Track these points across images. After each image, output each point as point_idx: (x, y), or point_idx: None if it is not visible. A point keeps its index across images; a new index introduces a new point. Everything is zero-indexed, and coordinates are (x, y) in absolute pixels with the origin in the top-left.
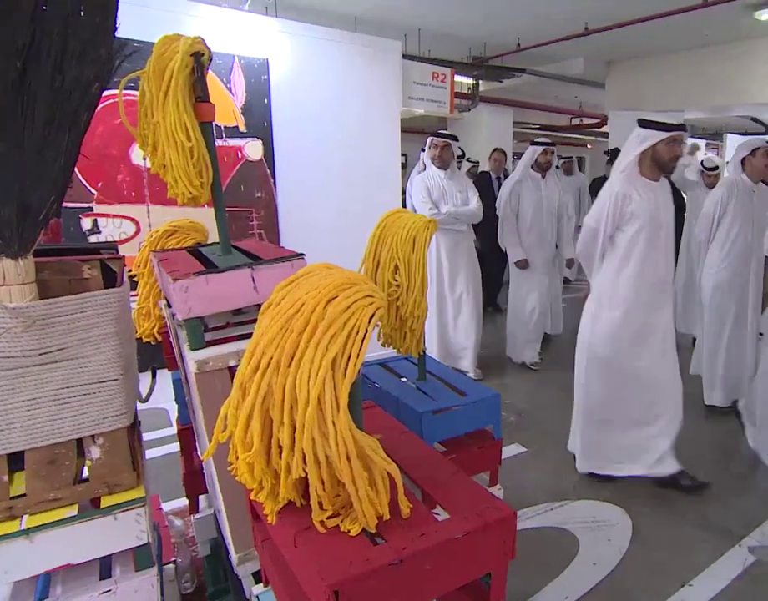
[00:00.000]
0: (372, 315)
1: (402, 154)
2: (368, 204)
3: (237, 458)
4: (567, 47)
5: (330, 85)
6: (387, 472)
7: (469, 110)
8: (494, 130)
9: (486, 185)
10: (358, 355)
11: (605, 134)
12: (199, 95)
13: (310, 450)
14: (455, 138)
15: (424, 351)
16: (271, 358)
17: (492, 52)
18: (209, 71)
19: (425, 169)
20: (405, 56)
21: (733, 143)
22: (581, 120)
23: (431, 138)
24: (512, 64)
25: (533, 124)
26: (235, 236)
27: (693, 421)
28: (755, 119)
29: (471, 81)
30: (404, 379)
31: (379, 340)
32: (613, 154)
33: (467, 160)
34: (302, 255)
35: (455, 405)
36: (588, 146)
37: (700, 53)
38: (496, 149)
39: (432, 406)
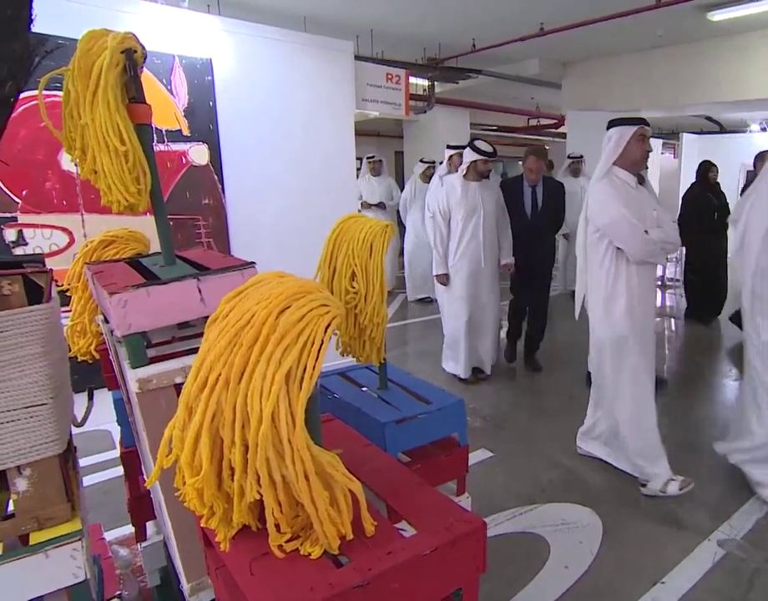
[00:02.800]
0: (328, 325)
1: (358, 158)
2: (323, 209)
3: (184, 483)
4: (522, 48)
5: (280, 87)
6: (349, 489)
7: (425, 112)
8: (451, 132)
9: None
10: (314, 367)
11: (563, 135)
12: (134, 95)
13: (264, 470)
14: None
15: (385, 360)
16: (220, 374)
17: (447, 53)
18: (147, 71)
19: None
20: (357, 57)
21: (689, 143)
22: (538, 121)
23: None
24: (468, 65)
25: (491, 126)
26: (181, 246)
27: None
28: (709, 118)
29: (426, 82)
30: (365, 388)
31: (337, 350)
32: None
33: (421, 161)
34: (252, 263)
35: (419, 413)
36: (547, 147)
37: (655, 53)
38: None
39: (395, 415)
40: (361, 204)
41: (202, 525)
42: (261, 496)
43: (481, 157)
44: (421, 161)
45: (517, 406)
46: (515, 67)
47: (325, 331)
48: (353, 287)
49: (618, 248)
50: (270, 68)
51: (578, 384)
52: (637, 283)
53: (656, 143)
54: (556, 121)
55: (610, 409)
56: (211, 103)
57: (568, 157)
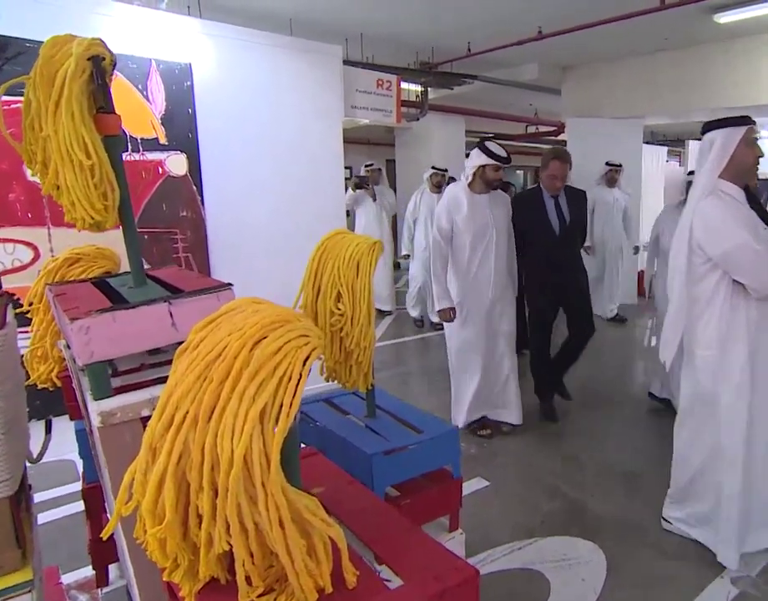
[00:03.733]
0: (307, 358)
1: (347, 167)
2: (310, 223)
3: (146, 532)
4: (520, 52)
5: (264, 93)
6: (329, 537)
7: (418, 119)
8: (445, 140)
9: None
10: (291, 404)
11: (563, 143)
12: (102, 105)
13: (235, 517)
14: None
15: (373, 385)
16: (187, 412)
17: (440, 57)
18: (121, 76)
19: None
20: (346, 62)
21: (695, 150)
22: (537, 128)
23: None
24: (463, 70)
25: (487, 133)
26: (157, 261)
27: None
28: None
29: (419, 88)
30: (351, 416)
31: (322, 375)
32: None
33: (433, 169)
34: (229, 285)
35: (409, 444)
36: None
37: (660, 57)
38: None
39: (383, 446)
40: (354, 180)
41: (165, 578)
42: (231, 546)
43: (492, 162)
44: (434, 168)
45: (514, 430)
46: (512, 71)
47: (304, 364)
48: (339, 309)
49: (736, 281)
50: (253, 73)
51: (577, 406)
52: (759, 323)
53: (661, 151)
54: (555, 128)
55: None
56: (190, 111)
57: (606, 164)
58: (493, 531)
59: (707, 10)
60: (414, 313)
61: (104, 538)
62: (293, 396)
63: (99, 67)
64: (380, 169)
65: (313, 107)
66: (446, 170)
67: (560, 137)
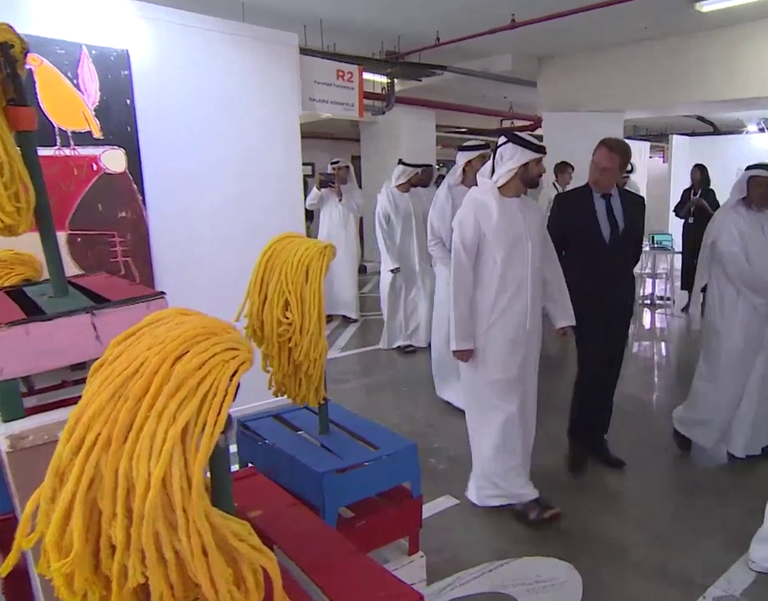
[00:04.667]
0: (235, 373)
1: (308, 163)
2: (265, 223)
3: (50, 567)
4: (492, 41)
5: (212, 84)
6: (261, 565)
7: (384, 113)
8: (415, 135)
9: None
10: (216, 423)
11: (539, 138)
12: (12, 97)
13: (152, 546)
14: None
15: (326, 399)
16: (99, 433)
17: (407, 47)
18: (47, 62)
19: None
20: (305, 51)
21: (679, 145)
22: (512, 123)
23: None
24: (432, 61)
25: (459, 128)
26: (93, 266)
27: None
28: (701, 119)
29: (385, 80)
30: (302, 433)
31: (270, 389)
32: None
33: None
34: (161, 294)
35: (364, 461)
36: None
37: (639, 47)
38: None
39: (336, 464)
40: (319, 177)
41: None
42: (148, 578)
43: (537, 155)
44: (403, 163)
45: None
46: (485, 62)
47: (231, 380)
48: (287, 318)
49: None
50: (200, 62)
51: (554, 418)
52: None
53: (644, 146)
54: (532, 122)
55: None
56: (129, 102)
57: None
58: (462, 552)
59: None
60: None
61: (2, 574)
62: (218, 414)
63: (8, 55)
64: (347, 167)
65: (267, 99)
66: (424, 166)
67: (537, 131)
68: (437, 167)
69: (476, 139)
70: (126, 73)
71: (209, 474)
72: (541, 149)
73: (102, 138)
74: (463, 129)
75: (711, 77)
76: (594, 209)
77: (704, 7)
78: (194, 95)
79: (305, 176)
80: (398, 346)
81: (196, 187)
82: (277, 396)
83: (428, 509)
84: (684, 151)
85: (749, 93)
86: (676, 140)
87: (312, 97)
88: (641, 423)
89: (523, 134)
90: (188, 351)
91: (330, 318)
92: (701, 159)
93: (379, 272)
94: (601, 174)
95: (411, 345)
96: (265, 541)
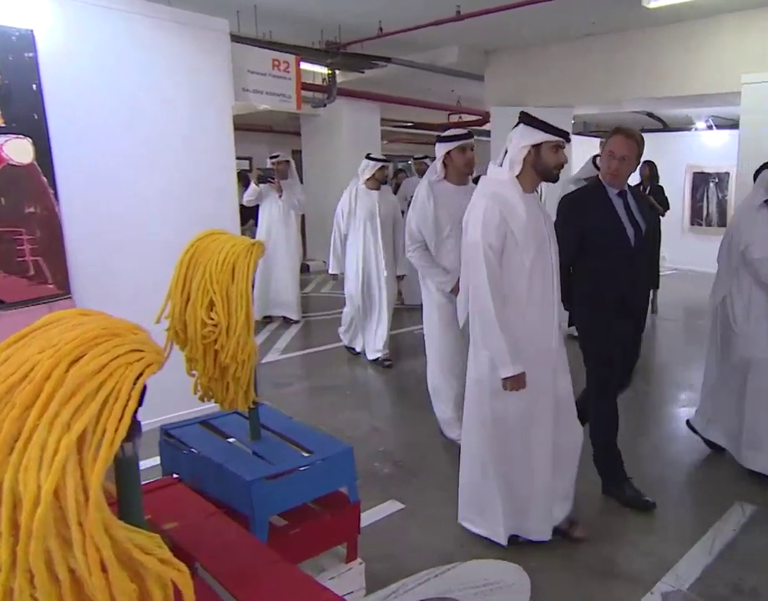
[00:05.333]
0: (140, 376)
1: (245, 158)
2: (192, 221)
3: None
4: (438, 33)
5: (132, 71)
6: (172, 579)
7: (325, 105)
8: (358, 129)
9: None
10: (116, 429)
11: (488, 133)
12: None
13: (41, 565)
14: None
15: (256, 403)
16: None
17: (349, 37)
18: None
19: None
20: (237, 38)
21: None
22: (460, 117)
23: None
24: (375, 52)
25: (405, 122)
26: None
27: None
28: (650, 115)
29: (325, 71)
30: (233, 439)
31: (196, 394)
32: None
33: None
34: (66, 295)
35: (297, 466)
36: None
37: (588, 42)
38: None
39: (266, 470)
40: (257, 172)
41: None
42: None
43: (552, 137)
44: (373, 158)
45: (434, 446)
46: (431, 55)
47: (135, 383)
48: (211, 318)
49: None
50: (119, 46)
51: None
52: None
53: (593, 143)
54: (480, 117)
55: None
56: (35, 87)
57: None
58: (408, 558)
59: None
60: (346, 340)
61: None
62: (119, 420)
63: None
64: (288, 161)
65: (196, 88)
66: (387, 161)
67: (486, 126)
68: (403, 164)
69: (457, 127)
70: (31, 55)
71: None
72: (559, 133)
73: (4, 125)
74: (409, 124)
75: (658, 73)
76: (614, 208)
77: (651, 4)
78: (113, 82)
79: (242, 171)
80: (376, 359)
81: (117, 181)
82: (203, 401)
83: (373, 514)
84: None
85: (695, 90)
86: None
87: (246, 87)
88: None
89: (537, 114)
90: (85, 354)
91: (269, 319)
92: (650, 155)
93: (328, 272)
94: (620, 163)
95: (389, 359)
96: (182, 554)
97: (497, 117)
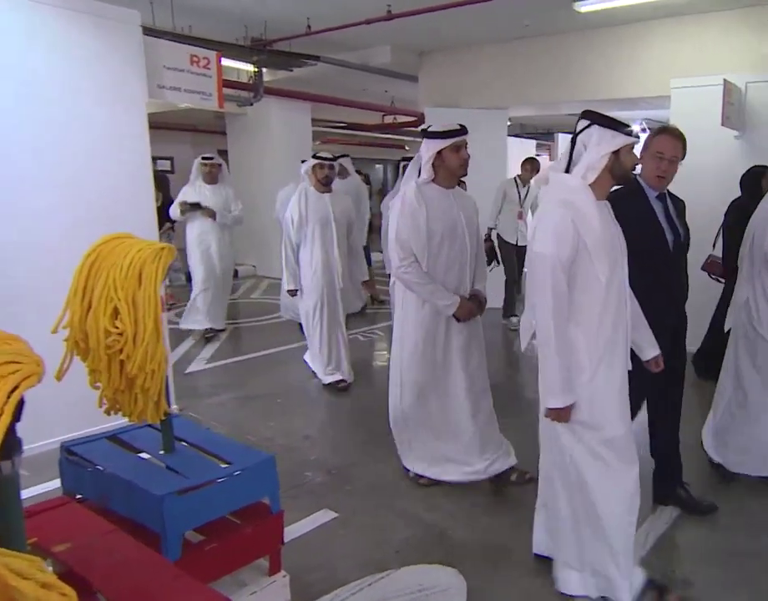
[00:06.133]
0: (15, 389)
1: (166, 158)
2: (101, 225)
3: None
4: (369, 32)
5: (32, 63)
6: None
7: (252, 104)
8: (288, 128)
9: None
10: None
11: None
12: None
13: None
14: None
15: (168, 415)
16: None
17: (275, 34)
18: None
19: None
20: (152, 31)
21: (565, 143)
22: (395, 118)
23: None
24: (305, 50)
25: (338, 122)
26: None
27: None
28: None
29: (251, 68)
30: (144, 454)
31: (101, 407)
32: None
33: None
34: None
35: (214, 478)
36: (406, 147)
37: (521, 45)
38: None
39: (179, 484)
40: (180, 207)
41: None
42: None
43: (630, 139)
44: (318, 157)
45: (368, 452)
46: (363, 54)
47: (9, 396)
48: (116, 327)
49: None
50: (14, 37)
51: None
52: None
53: (529, 144)
54: (415, 118)
55: None
56: None
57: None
58: (341, 568)
59: None
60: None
61: None
62: None
63: None
64: (220, 165)
65: (103, 83)
66: (334, 159)
67: (420, 127)
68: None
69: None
70: None
71: None
72: (632, 133)
73: None
74: (342, 124)
75: (590, 76)
76: (655, 212)
77: (582, 8)
78: (8, 76)
79: (163, 171)
80: (330, 383)
81: (14, 182)
82: (110, 415)
83: (305, 525)
84: None
85: (626, 93)
86: (562, 138)
87: (161, 84)
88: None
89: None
90: None
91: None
92: None
93: (287, 290)
94: (669, 165)
95: (343, 381)
96: (73, 576)
97: (432, 117)
